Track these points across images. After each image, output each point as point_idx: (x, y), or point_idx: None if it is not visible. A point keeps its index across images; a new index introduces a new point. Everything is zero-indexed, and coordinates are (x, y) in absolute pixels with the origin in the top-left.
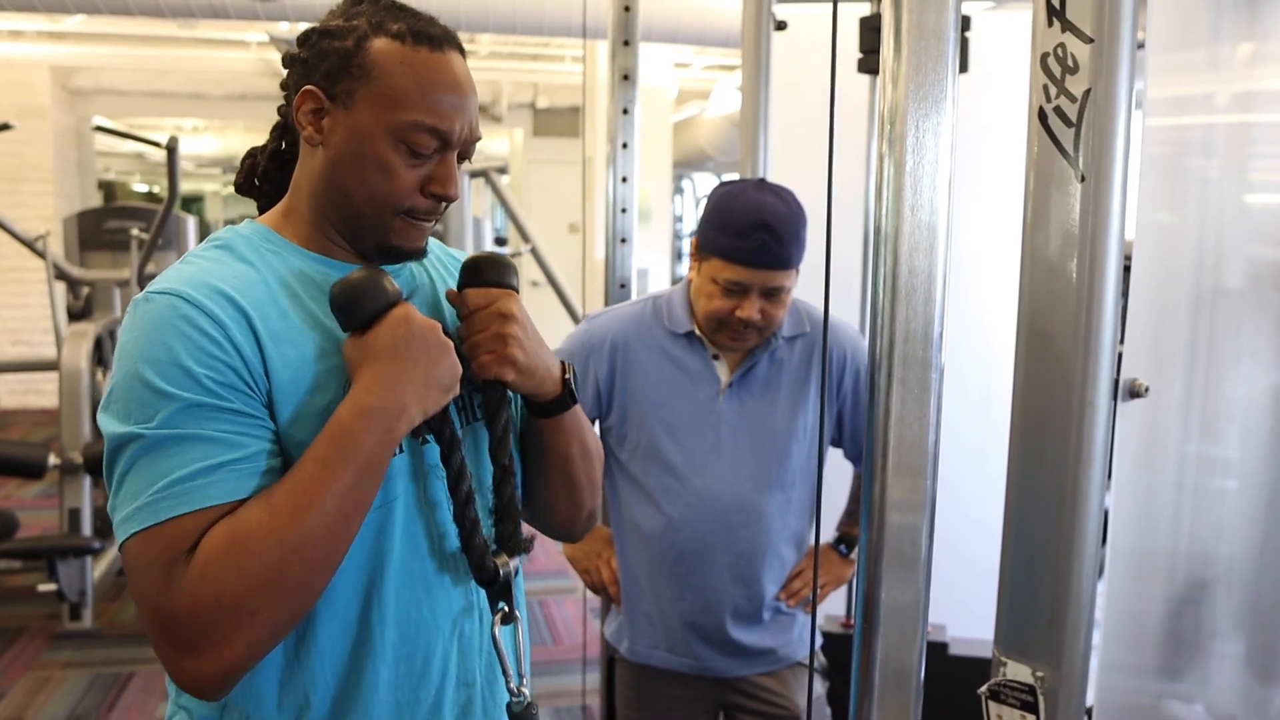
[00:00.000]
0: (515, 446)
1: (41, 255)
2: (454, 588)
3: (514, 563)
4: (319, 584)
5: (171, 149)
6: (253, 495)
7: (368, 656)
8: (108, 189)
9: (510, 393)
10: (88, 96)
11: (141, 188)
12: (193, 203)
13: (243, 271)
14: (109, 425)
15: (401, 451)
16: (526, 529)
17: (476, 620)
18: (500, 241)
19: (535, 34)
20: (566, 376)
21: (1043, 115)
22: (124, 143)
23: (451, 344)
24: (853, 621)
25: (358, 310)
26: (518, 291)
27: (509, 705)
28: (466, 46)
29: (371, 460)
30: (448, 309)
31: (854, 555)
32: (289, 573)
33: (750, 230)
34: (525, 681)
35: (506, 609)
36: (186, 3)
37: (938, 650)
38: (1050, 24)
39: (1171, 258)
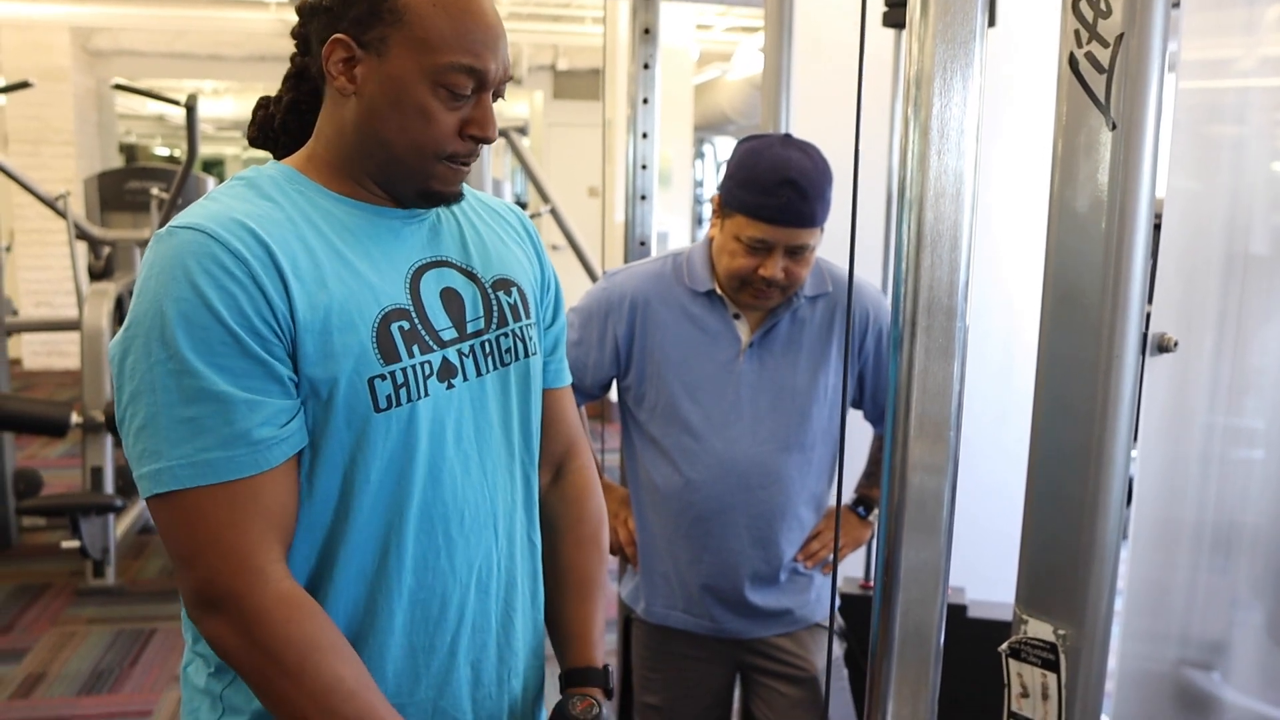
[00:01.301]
0: (539, 378)
1: (62, 215)
2: (473, 536)
3: None
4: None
5: (190, 107)
6: (282, 464)
7: (384, 600)
8: (129, 152)
9: (537, 374)
10: (107, 58)
11: (163, 151)
12: (213, 166)
13: (268, 209)
14: (128, 360)
15: (426, 396)
16: None
17: (495, 568)
18: (521, 204)
19: None
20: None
21: (1073, 62)
22: (145, 105)
23: None
24: (871, 583)
25: None
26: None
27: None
28: None
29: None
30: (473, 248)
31: (873, 517)
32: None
33: (775, 187)
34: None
35: None
36: None
37: (956, 613)
38: None
39: (1201, 221)
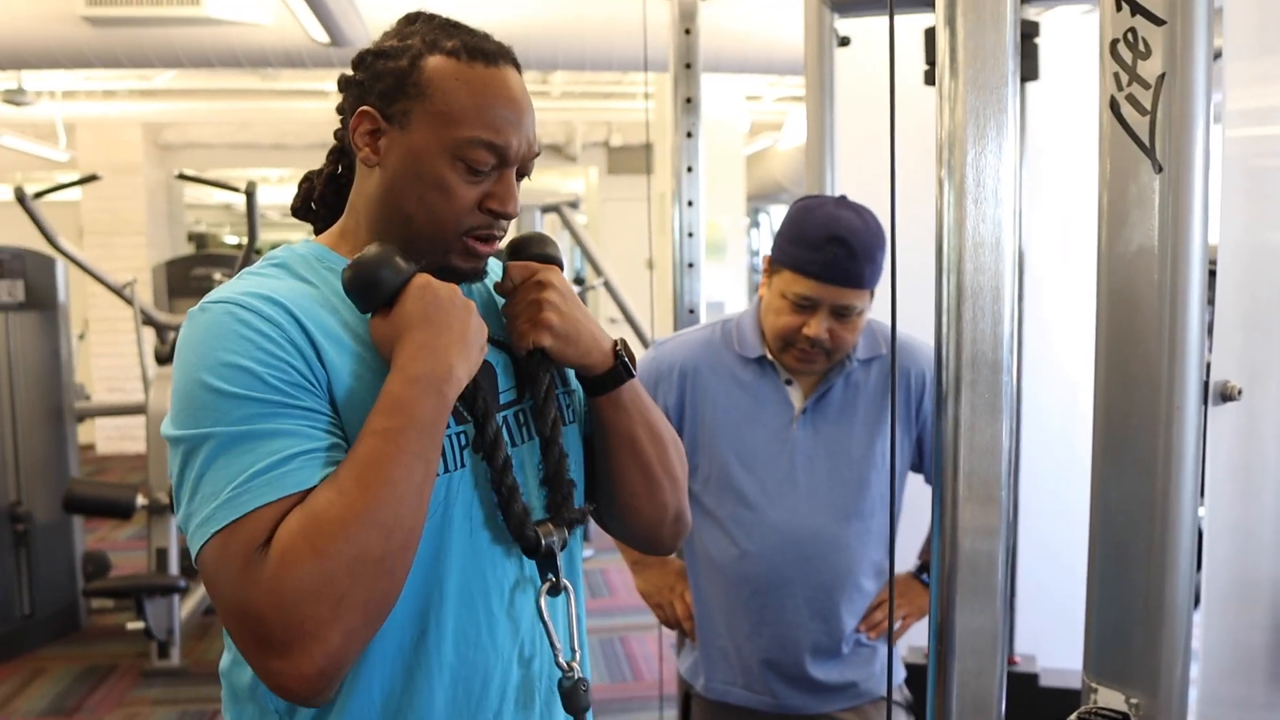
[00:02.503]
0: (579, 438)
1: (129, 301)
2: (516, 611)
3: (557, 536)
4: (401, 559)
5: (250, 194)
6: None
7: (424, 677)
8: (199, 240)
9: (564, 379)
10: (176, 151)
11: (231, 239)
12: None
13: (298, 286)
14: (175, 433)
15: (462, 467)
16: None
17: (539, 642)
18: (579, 281)
19: (604, 69)
20: (618, 349)
21: (1114, 105)
22: (213, 195)
23: (474, 303)
24: None
25: (380, 288)
26: (561, 266)
27: (559, 681)
28: (539, 88)
29: (430, 426)
30: (502, 323)
31: None
32: (368, 549)
33: (823, 243)
34: (577, 657)
35: (554, 579)
36: (262, 52)
37: (1028, 682)
38: (1119, 9)
39: (1259, 270)
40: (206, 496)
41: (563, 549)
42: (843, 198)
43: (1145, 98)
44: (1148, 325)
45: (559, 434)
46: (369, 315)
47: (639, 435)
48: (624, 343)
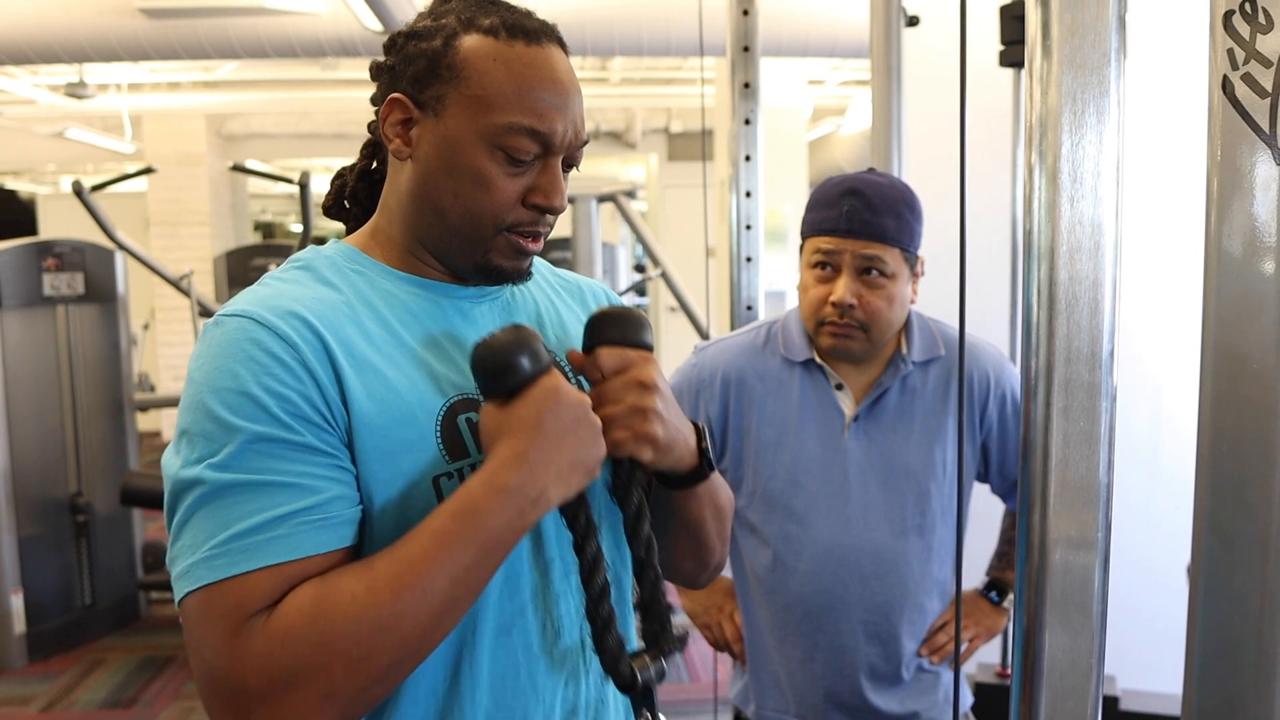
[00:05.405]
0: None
1: (186, 293)
2: (559, 649)
3: (654, 669)
4: (408, 668)
5: (303, 185)
6: (323, 552)
7: None
8: (266, 230)
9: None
10: (239, 141)
11: (298, 228)
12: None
13: (323, 293)
14: (171, 463)
15: None
16: (678, 623)
17: (584, 684)
18: (639, 269)
19: (662, 54)
20: (704, 445)
21: (1228, 86)
22: (277, 185)
23: (600, 424)
24: (1008, 671)
25: (502, 377)
26: (653, 351)
27: None
28: (598, 74)
29: (498, 543)
30: (551, 332)
31: (1007, 603)
32: (378, 652)
33: (838, 198)
34: None
35: (650, 716)
36: (317, 41)
37: (1108, 705)
38: None
39: None
40: (187, 547)
41: (660, 680)
42: (870, 169)
43: (1265, 77)
44: (1263, 339)
45: (654, 556)
46: (483, 398)
47: (706, 518)
48: (708, 433)
